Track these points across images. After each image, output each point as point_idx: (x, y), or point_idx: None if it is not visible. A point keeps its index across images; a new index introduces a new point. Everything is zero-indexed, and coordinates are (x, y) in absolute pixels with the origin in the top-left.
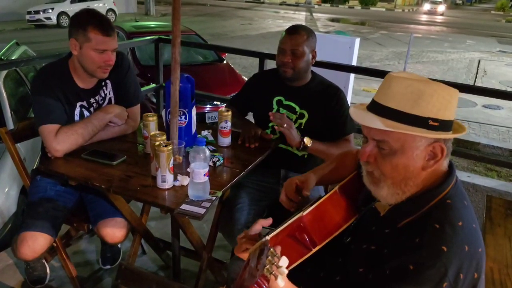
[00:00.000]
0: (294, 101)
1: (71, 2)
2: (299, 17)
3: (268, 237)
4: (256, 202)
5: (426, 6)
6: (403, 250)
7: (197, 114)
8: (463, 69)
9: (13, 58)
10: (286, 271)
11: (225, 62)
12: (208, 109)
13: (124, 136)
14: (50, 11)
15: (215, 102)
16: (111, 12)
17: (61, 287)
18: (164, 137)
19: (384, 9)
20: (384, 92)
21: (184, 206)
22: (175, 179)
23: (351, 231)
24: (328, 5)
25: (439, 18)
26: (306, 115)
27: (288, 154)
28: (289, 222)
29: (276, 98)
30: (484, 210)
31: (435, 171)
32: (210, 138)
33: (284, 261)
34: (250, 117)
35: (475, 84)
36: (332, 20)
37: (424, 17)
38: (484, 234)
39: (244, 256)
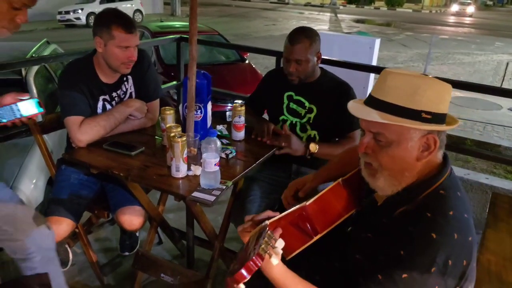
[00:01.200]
0: (303, 96)
1: (100, 3)
2: (324, 18)
3: (267, 222)
4: (267, 195)
5: (454, 7)
6: (396, 237)
7: (218, 112)
8: (490, 72)
9: None
10: (281, 252)
11: (247, 62)
12: (229, 107)
13: (143, 129)
14: (80, 11)
15: (235, 101)
16: (138, 13)
17: (82, 271)
18: (179, 129)
19: (410, 10)
20: (380, 87)
21: (196, 194)
22: (189, 169)
23: (352, 221)
24: (353, 6)
25: (467, 20)
26: (315, 109)
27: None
28: (292, 210)
29: (287, 93)
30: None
31: (430, 163)
32: (225, 132)
33: (280, 243)
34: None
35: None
36: (357, 21)
37: (451, 19)
38: (486, 228)
39: (246, 239)
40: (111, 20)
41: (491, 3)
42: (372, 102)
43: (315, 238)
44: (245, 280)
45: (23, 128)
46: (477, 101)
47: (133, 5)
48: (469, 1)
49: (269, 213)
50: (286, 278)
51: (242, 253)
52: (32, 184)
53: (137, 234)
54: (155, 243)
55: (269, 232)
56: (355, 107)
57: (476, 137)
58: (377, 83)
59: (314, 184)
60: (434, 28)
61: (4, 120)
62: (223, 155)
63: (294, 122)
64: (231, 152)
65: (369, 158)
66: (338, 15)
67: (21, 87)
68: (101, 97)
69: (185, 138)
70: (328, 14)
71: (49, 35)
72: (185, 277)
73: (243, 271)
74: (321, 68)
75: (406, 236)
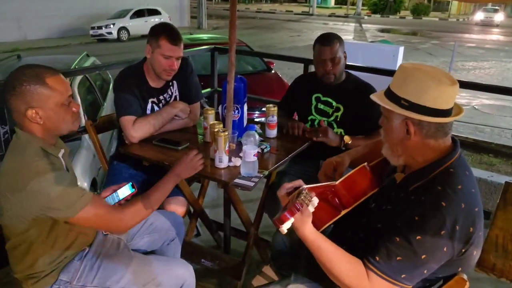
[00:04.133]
0: (330, 96)
1: (131, 18)
2: (348, 28)
3: (305, 186)
4: None
5: (479, 15)
6: (411, 206)
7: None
8: None
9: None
10: (317, 201)
11: (273, 71)
12: (256, 115)
13: (186, 128)
14: (111, 26)
15: (263, 109)
16: None
17: None
18: (221, 125)
19: (437, 19)
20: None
21: (237, 180)
22: (230, 160)
23: (375, 198)
24: (378, 15)
25: (495, 29)
26: (342, 108)
27: (327, 147)
28: (324, 183)
29: (315, 95)
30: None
31: (437, 148)
32: (259, 131)
33: (315, 199)
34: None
35: None
36: (382, 30)
37: (478, 27)
38: (496, 210)
39: (285, 202)
40: (160, 31)
41: None
42: (387, 89)
43: (343, 212)
44: (287, 221)
45: (80, 129)
46: (505, 108)
47: (162, 19)
48: (496, 7)
49: (300, 182)
50: (317, 236)
51: (283, 208)
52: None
53: None
54: (194, 235)
55: (306, 190)
56: (373, 95)
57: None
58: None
59: (350, 159)
60: (461, 37)
61: None
62: (259, 150)
63: (323, 120)
64: (266, 147)
65: (382, 132)
66: (363, 25)
67: None
68: (150, 100)
69: (227, 133)
70: (353, 24)
71: (82, 49)
72: (223, 262)
73: (287, 214)
74: (345, 71)
75: (420, 204)
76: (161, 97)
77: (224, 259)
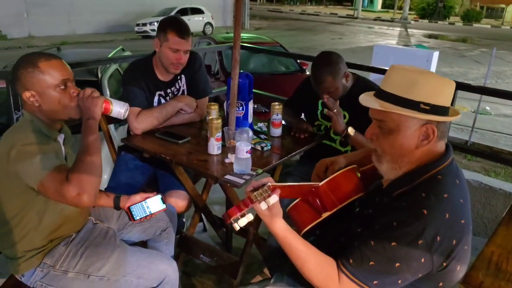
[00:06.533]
0: None
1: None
2: (393, 33)
3: (269, 183)
4: None
5: None
6: (392, 211)
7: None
8: None
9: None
10: (276, 199)
11: (307, 73)
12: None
13: (192, 123)
14: (155, 23)
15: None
16: (208, 26)
17: None
18: (220, 120)
19: (489, 26)
20: (386, 80)
21: (228, 177)
22: (226, 157)
23: (359, 202)
24: (426, 21)
25: None
26: (347, 115)
27: (332, 149)
28: (304, 183)
29: (321, 101)
30: (508, 207)
31: (431, 151)
32: (264, 129)
33: (273, 198)
34: None
35: None
36: (429, 36)
37: None
38: (498, 226)
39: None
40: (168, 25)
41: None
42: (378, 93)
43: (324, 215)
44: (234, 216)
45: None
46: None
47: (204, 18)
48: None
49: (270, 179)
50: (287, 234)
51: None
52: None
53: (183, 220)
54: (201, 231)
55: (265, 187)
56: (363, 98)
57: None
58: (384, 77)
59: (345, 162)
60: None
61: (138, 218)
62: (259, 148)
63: (328, 126)
64: (266, 145)
65: (374, 144)
66: (409, 30)
67: (96, 87)
68: (157, 93)
69: (219, 121)
70: (398, 28)
71: (126, 45)
72: (221, 259)
73: (234, 208)
74: (354, 75)
75: (400, 210)
76: (168, 91)
77: (222, 257)
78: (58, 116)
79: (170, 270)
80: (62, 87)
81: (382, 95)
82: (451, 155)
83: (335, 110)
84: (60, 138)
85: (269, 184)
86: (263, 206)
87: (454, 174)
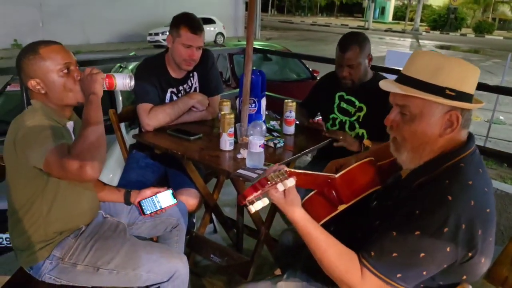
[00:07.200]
0: (354, 95)
1: None
2: (404, 44)
3: (286, 169)
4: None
5: None
6: (413, 200)
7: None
8: None
9: (131, 66)
10: (293, 182)
11: (318, 79)
12: None
13: (204, 121)
14: (167, 33)
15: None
16: (220, 35)
17: None
18: (233, 115)
19: (501, 38)
20: (409, 65)
21: (240, 171)
22: (239, 153)
23: (377, 196)
24: (437, 32)
25: None
26: (365, 108)
27: (346, 150)
28: (320, 173)
29: (338, 94)
30: None
31: (453, 140)
32: (277, 127)
33: (290, 181)
34: None
35: None
36: (441, 47)
37: None
38: None
39: None
40: (181, 21)
41: None
42: (400, 78)
43: (340, 208)
44: (250, 198)
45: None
46: None
47: (216, 28)
48: None
49: (285, 167)
50: (308, 222)
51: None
52: (107, 178)
53: (194, 220)
54: (211, 232)
55: (282, 171)
56: (384, 84)
57: None
58: (407, 62)
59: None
60: None
61: (148, 212)
62: (272, 144)
63: (344, 120)
64: (279, 142)
65: (394, 132)
66: (420, 41)
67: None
68: (169, 90)
69: (232, 116)
70: (409, 39)
71: (139, 54)
72: (231, 259)
73: (250, 188)
74: (373, 71)
75: (422, 198)
76: (180, 88)
77: (233, 256)
78: (65, 101)
79: (180, 265)
80: (65, 71)
81: (404, 80)
82: (474, 144)
83: (340, 137)
84: (70, 125)
85: (286, 169)
86: (280, 187)
87: (477, 163)
